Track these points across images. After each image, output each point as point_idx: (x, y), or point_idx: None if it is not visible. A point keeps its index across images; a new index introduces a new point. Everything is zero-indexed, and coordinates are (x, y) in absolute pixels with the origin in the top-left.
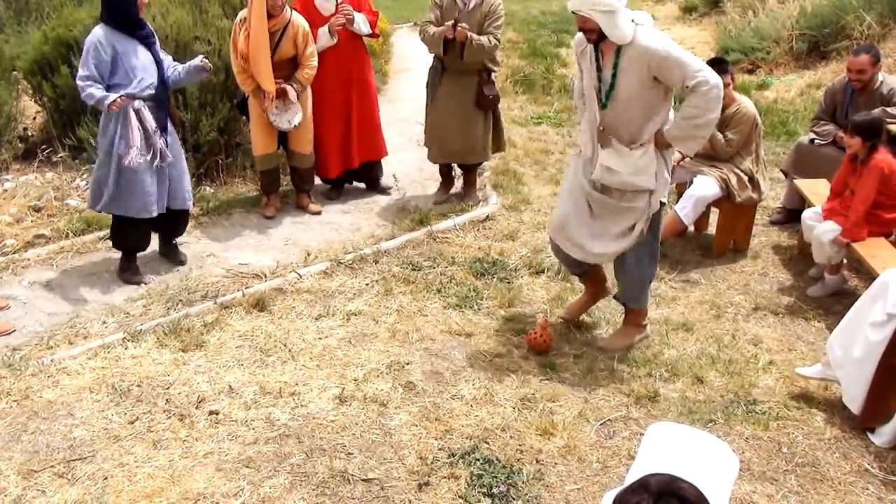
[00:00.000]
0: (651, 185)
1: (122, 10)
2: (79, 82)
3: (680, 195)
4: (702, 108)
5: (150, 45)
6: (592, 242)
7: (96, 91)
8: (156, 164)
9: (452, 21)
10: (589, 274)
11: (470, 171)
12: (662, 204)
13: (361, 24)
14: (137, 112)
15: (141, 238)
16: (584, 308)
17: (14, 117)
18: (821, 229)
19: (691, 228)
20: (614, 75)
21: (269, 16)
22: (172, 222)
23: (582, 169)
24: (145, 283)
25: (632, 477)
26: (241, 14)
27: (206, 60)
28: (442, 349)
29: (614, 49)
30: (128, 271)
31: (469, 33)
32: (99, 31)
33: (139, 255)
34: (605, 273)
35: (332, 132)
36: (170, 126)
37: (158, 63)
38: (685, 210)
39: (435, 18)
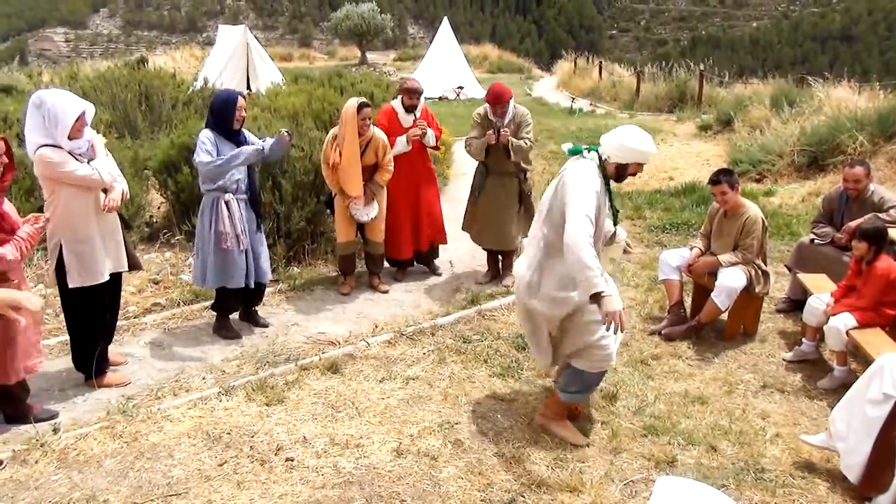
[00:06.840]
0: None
1: (223, 121)
2: (200, 159)
3: (696, 284)
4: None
5: None
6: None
7: (210, 159)
8: (242, 246)
9: (495, 130)
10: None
11: (507, 256)
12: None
13: (431, 137)
14: (227, 203)
15: (234, 302)
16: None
17: (143, 207)
18: (837, 319)
19: (724, 315)
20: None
21: (358, 134)
22: (255, 293)
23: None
24: (238, 338)
25: None
26: (333, 131)
27: (285, 133)
28: (487, 412)
29: None
30: (223, 329)
31: (510, 137)
32: (206, 132)
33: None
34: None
35: (405, 221)
36: (255, 217)
37: (250, 167)
38: (720, 298)
39: (477, 134)
